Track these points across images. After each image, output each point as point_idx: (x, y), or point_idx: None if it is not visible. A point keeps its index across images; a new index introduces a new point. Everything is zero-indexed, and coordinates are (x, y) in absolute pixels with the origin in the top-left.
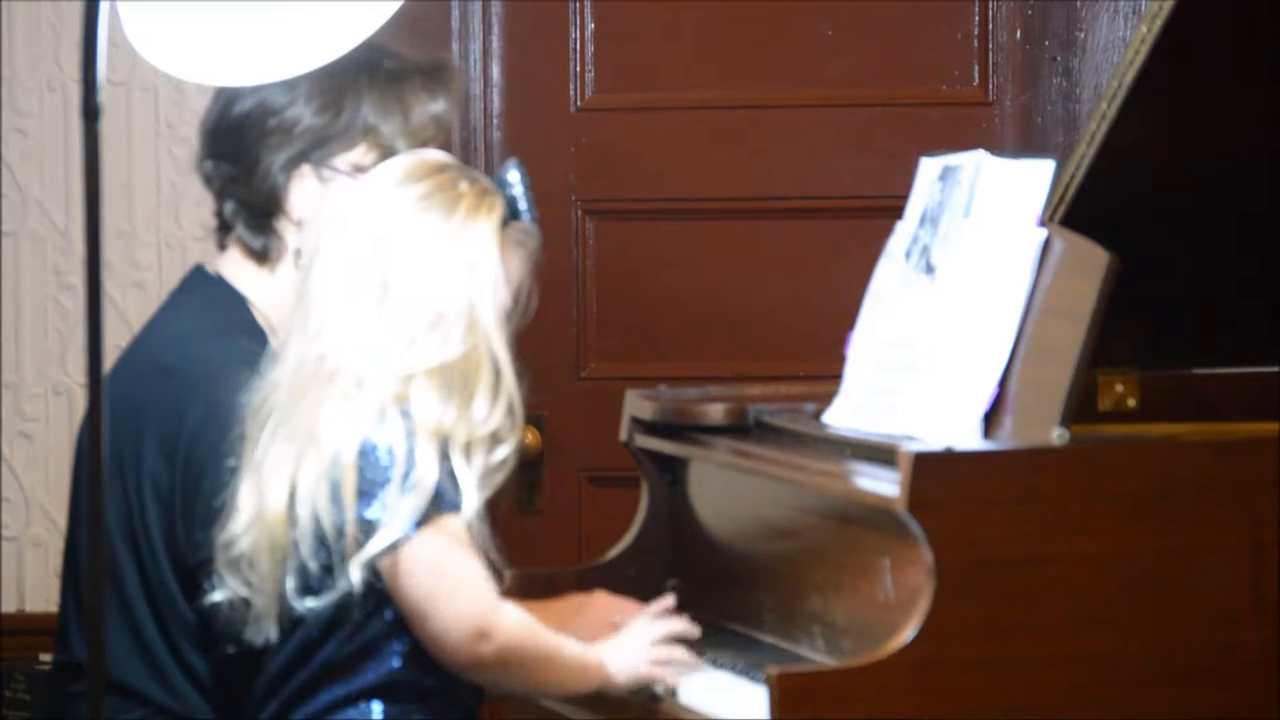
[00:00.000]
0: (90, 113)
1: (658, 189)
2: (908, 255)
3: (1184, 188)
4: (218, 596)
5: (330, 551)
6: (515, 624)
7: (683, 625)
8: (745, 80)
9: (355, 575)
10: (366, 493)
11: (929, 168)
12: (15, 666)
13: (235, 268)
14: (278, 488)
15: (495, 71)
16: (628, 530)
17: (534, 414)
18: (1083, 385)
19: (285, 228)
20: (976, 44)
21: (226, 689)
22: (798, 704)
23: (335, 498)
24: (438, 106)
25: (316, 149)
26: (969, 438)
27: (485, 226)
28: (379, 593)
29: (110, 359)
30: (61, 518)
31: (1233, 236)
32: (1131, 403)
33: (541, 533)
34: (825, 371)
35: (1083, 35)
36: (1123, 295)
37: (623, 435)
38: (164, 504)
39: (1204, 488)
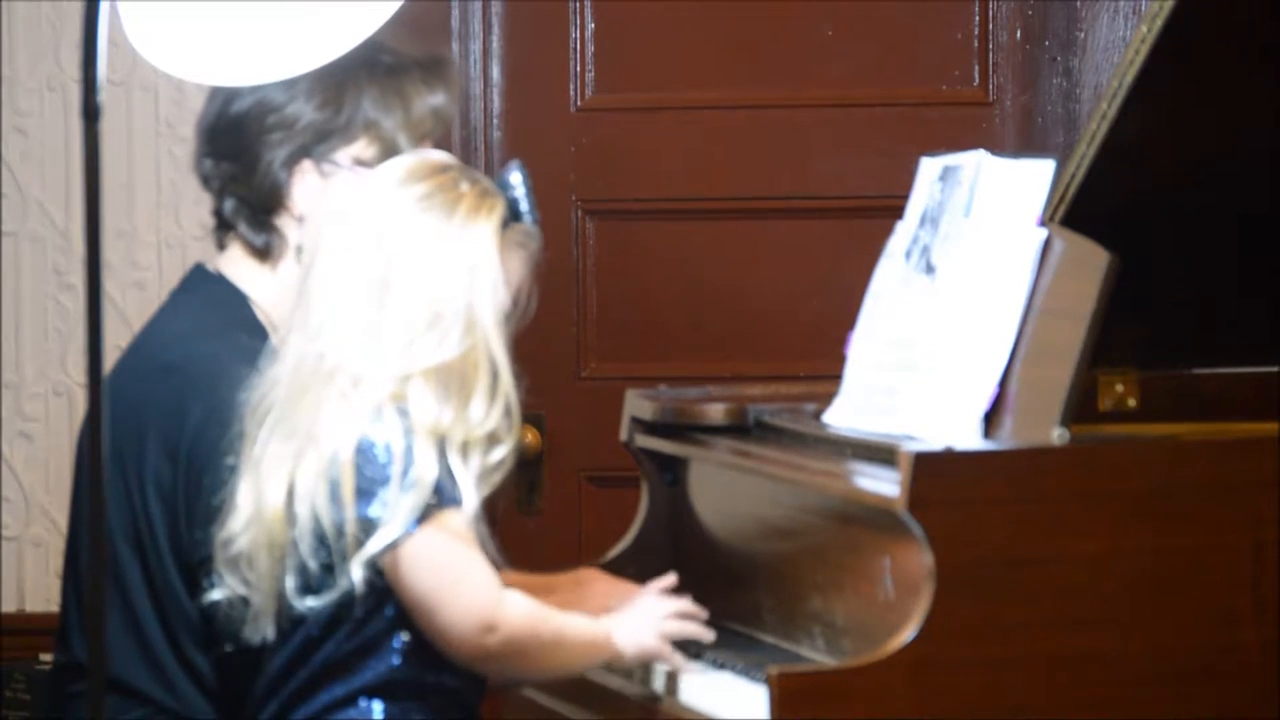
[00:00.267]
0: (90, 113)
1: (658, 189)
2: (908, 255)
3: (1184, 188)
4: (216, 595)
5: (330, 550)
6: (520, 612)
7: (690, 605)
8: (745, 80)
9: (357, 574)
10: (366, 491)
11: (929, 168)
12: (15, 666)
13: (236, 266)
14: (276, 486)
15: (495, 71)
16: (628, 530)
17: (534, 414)
18: (1083, 385)
19: (287, 224)
20: (976, 44)
21: (228, 689)
22: (798, 704)
23: (334, 496)
24: (437, 100)
25: (318, 144)
26: (969, 438)
27: (485, 227)
28: (380, 591)
29: (110, 359)
30: (61, 518)
31: (1233, 236)
32: (1131, 403)
33: (541, 533)
34: (825, 371)
35: (1083, 35)
36: (1123, 295)
37: (623, 435)
38: (167, 502)
39: (1204, 488)
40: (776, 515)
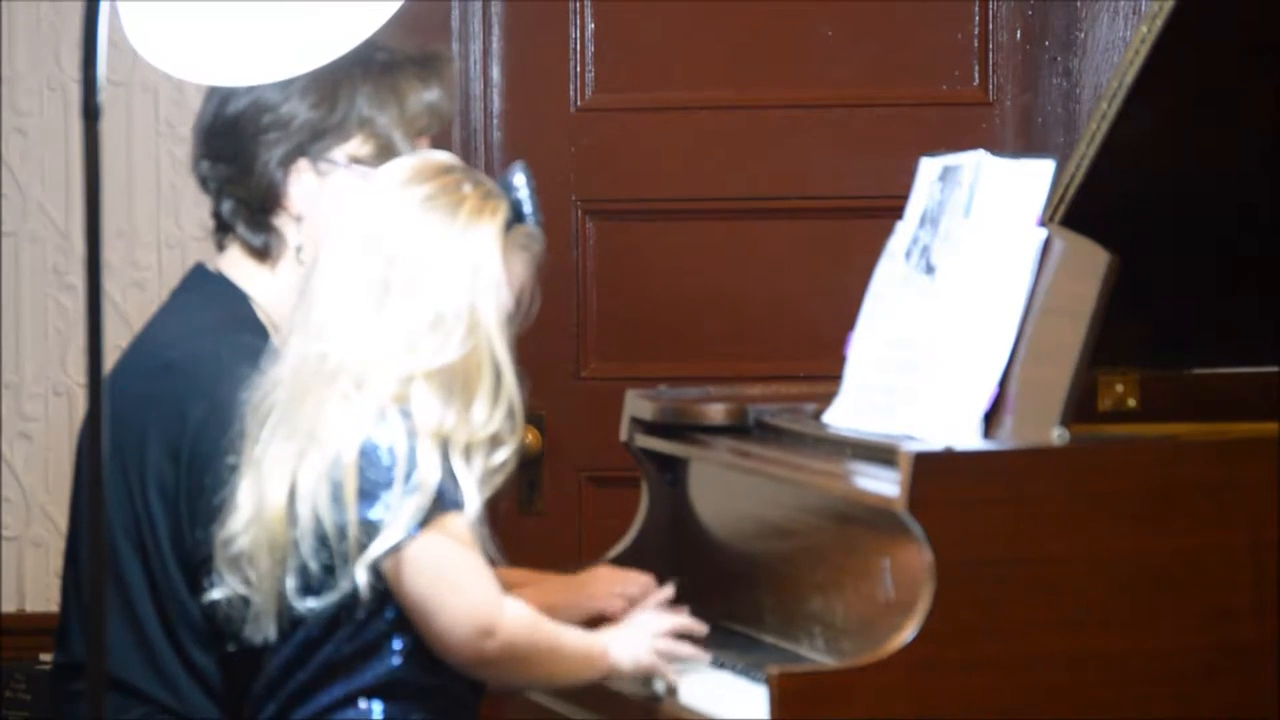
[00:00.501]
0: (90, 113)
1: (658, 189)
2: (908, 255)
3: (1184, 188)
4: (217, 594)
5: (331, 551)
6: (519, 619)
7: (689, 621)
8: (745, 80)
9: (359, 576)
10: (369, 493)
11: (929, 168)
12: (15, 666)
13: (236, 266)
14: (277, 486)
15: (495, 71)
16: (628, 530)
17: (534, 414)
18: (1083, 385)
19: (285, 224)
20: (976, 44)
21: (229, 688)
22: (798, 704)
23: (337, 498)
24: (432, 95)
25: (313, 143)
26: (969, 438)
27: (488, 229)
28: (380, 592)
29: (110, 359)
30: (61, 518)
31: (1233, 236)
32: (1131, 403)
33: (541, 533)
34: (825, 371)
35: (1083, 35)
36: (1123, 295)
37: (623, 435)
38: (169, 501)
39: (1204, 488)
40: (776, 515)
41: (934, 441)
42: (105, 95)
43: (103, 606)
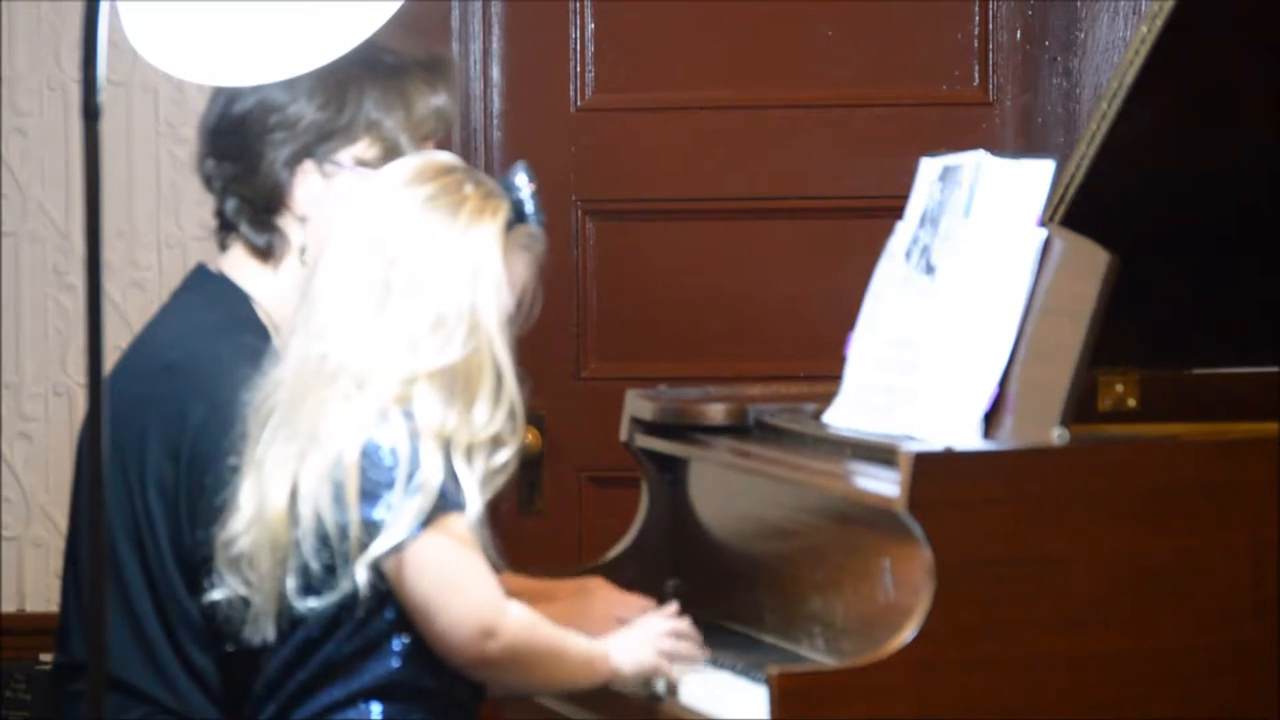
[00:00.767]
0: (90, 113)
1: (658, 189)
2: (908, 255)
3: (1184, 188)
4: (217, 595)
5: (333, 552)
6: (521, 621)
7: (687, 625)
8: (745, 80)
9: (361, 576)
10: (371, 493)
11: (929, 168)
12: (15, 666)
13: (238, 266)
14: (279, 487)
15: (495, 71)
16: (628, 530)
17: (534, 414)
18: (1083, 385)
19: (289, 224)
20: (976, 44)
21: (229, 688)
22: (798, 704)
23: (338, 498)
24: (439, 100)
25: (320, 144)
26: (969, 438)
27: (489, 229)
28: (382, 593)
29: (110, 359)
30: (61, 518)
31: (1233, 236)
32: (1131, 403)
33: (541, 533)
34: (825, 371)
35: (1083, 35)
36: (1123, 295)
37: (623, 435)
38: (169, 502)
39: (1204, 488)
40: (776, 515)
41: (934, 441)
42: (105, 95)
43: (103, 606)
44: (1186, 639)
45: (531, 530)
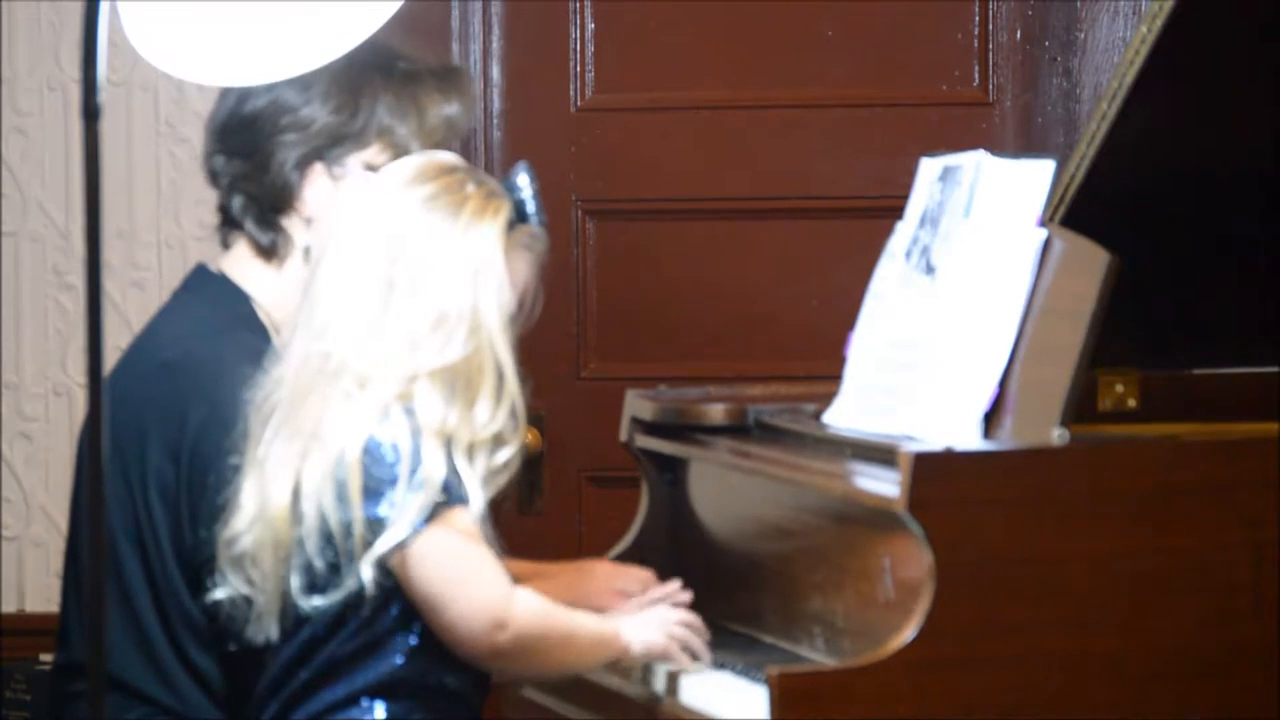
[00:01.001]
0: (90, 113)
1: (658, 189)
2: (908, 255)
3: (1184, 188)
4: (220, 594)
5: (337, 549)
6: (530, 609)
7: (697, 619)
8: (745, 80)
9: (366, 574)
10: (374, 491)
11: (929, 168)
12: (15, 666)
13: (240, 265)
14: (281, 485)
15: (495, 71)
16: (628, 530)
17: (534, 414)
18: (1083, 385)
19: (294, 225)
20: (976, 44)
21: (231, 688)
22: (798, 704)
23: (341, 496)
24: (451, 109)
25: (331, 148)
26: (969, 438)
27: (490, 229)
28: (387, 590)
29: (110, 359)
30: (61, 518)
31: (1233, 236)
32: (1131, 403)
33: (541, 533)
34: (825, 371)
35: (1083, 35)
36: (1123, 295)
37: (623, 435)
38: (169, 502)
39: (1204, 488)
40: (776, 515)
41: (934, 441)
42: (105, 95)
43: (103, 606)
44: (1186, 639)
45: (531, 530)
